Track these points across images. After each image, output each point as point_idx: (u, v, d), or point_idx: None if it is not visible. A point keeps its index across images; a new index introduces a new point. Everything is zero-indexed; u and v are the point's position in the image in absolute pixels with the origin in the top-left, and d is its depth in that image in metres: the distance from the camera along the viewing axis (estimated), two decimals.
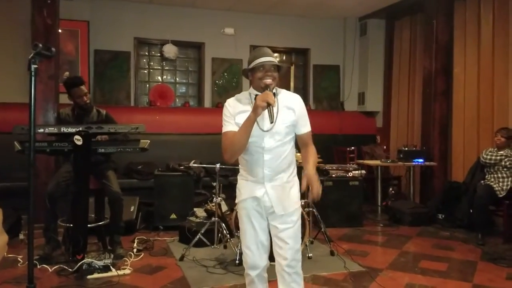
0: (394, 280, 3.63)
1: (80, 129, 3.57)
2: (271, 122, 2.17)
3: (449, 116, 6.21)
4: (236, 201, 2.40)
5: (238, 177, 2.42)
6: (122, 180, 5.11)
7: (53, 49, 2.29)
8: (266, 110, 2.15)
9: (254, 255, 2.32)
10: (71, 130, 3.58)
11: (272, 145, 2.25)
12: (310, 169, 2.26)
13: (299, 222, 2.33)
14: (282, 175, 2.30)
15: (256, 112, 2.12)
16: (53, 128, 3.69)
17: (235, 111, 2.27)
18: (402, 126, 7.13)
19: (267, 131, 2.23)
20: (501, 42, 5.41)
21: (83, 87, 3.99)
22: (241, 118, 2.21)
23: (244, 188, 2.34)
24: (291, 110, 2.28)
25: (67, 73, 6.35)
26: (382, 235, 5.23)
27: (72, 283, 3.44)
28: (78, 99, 3.97)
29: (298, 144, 2.40)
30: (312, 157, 2.34)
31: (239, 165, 2.40)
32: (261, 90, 2.22)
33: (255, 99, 2.18)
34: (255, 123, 2.18)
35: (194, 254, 4.10)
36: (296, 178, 2.38)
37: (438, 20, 6.18)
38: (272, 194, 2.27)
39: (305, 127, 2.35)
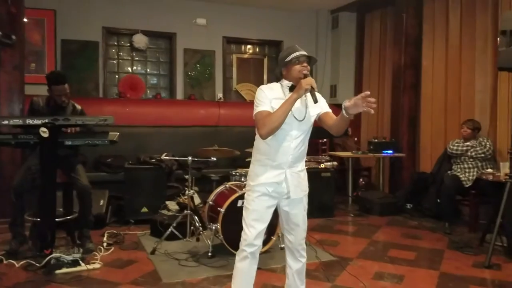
0: (363, 269, 3.70)
1: (46, 121, 3.47)
2: (315, 102, 2.39)
3: (417, 109, 6.34)
4: (252, 183, 2.52)
5: (255, 162, 2.56)
6: (91, 173, 5.00)
7: (13, 36, 2.21)
8: (302, 99, 2.44)
9: (255, 233, 2.48)
10: (36, 122, 3.46)
11: (299, 134, 2.49)
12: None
13: (307, 207, 2.61)
14: (300, 164, 2.56)
15: (299, 92, 2.35)
16: (18, 120, 3.56)
17: (271, 96, 2.45)
18: (372, 118, 7.24)
19: (300, 120, 2.47)
20: (468, 36, 5.54)
21: (65, 86, 3.85)
22: (277, 103, 2.40)
23: (263, 173, 2.49)
24: (316, 104, 2.46)
25: (33, 65, 6.17)
26: (353, 225, 5.32)
27: (40, 278, 3.37)
28: (56, 97, 3.85)
29: (326, 126, 2.54)
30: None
31: (256, 151, 2.56)
32: (296, 81, 2.44)
33: (290, 88, 2.46)
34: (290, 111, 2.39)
35: (166, 247, 4.07)
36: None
37: (408, 14, 6.28)
38: (290, 180, 2.49)
39: (328, 108, 2.57)
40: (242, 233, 2.53)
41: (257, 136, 2.55)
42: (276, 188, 2.48)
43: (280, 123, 2.36)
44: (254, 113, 2.45)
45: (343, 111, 2.31)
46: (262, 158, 2.52)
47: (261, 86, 2.53)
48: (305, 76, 2.41)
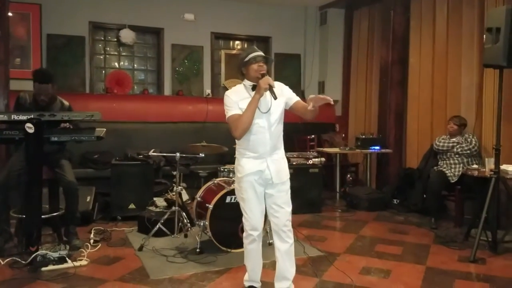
0: (351, 264, 3.73)
1: (32, 116, 3.42)
2: (275, 99, 2.70)
3: (404, 105, 6.39)
4: (240, 175, 2.81)
5: (238, 156, 2.85)
6: (78, 169, 4.97)
7: None
8: (266, 93, 2.70)
9: (257, 218, 2.82)
10: (22, 117, 3.42)
11: (271, 125, 2.77)
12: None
13: (289, 191, 2.87)
14: (278, 151, 2.85)
15: (259, 92, 2.65)
16: (2, 116, 3.53)
17: (237, 99, 2.74)
18: (360, 114, 7.29)
19: (265, 112, 2.74)
20: (455, 33, 5.59)
21: (48, 86, 3.80)
22: (244, 103, 2.70)
23: (247, 164, 2.78)
24: (280, 94, 2.76)
25: (18, 59, 6.08)
26: (340, 220, 5.35)
27: (25, 275, 3.33)
28: (37, 95, 3.82)
29: (299, 113, 2.84)
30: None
31: (238, 146, 2.84)
32: (256, 80, 2.71)
33: (252, 88, 2.73)
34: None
35: (154, 244, 4.06)
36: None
37: (395, 11, 6.32)
38: (272, 167, 2.78)
39: (296, 97, 2.88)
40: (244, 220, 2.86)
41: None
42: (261, 176, 2.77)
43: (250, 123, 2.68)
44: (226, 118, 2.75)
45: (308, 105, 2.63)
46: (245, 151, 2.80)
47: (227, 92, 2.81)
48: (263, 75, 2.68)
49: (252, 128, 2.72)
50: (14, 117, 3.43)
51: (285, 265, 2.85)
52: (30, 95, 3.90)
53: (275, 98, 2.68)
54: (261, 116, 2.73)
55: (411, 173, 5.83)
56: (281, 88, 2.84)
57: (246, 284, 3.03)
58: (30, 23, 6.18)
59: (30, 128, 3.39)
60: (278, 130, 2.83)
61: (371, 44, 7.07)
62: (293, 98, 2.86)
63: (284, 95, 2.84)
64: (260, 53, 2.77)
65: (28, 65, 6.09)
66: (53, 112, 3.60)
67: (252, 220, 2.82)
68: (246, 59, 2.75)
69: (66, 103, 4.03)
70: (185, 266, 3.61)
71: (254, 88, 2.74)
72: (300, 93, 7.78)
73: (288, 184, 2.86)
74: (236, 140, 2.84)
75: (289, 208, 2.84)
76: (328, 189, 6.46)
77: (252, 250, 2.91)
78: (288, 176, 2.88)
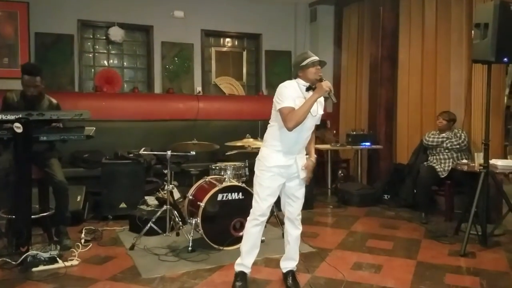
0: (342, 259, 3.75)
1: (20, 116, 3.38)
2: (334, 102, 3.05)
3: (394, 101, 6.42)
4: (268, 164, 2.95)
5: (269, 147, 2.99)
6: (67, 169, 4.93)
7: None
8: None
9: (268, 205, 2.99)
10: (10, 117, 3.38)
11: (311, 127, 3.00)
12: (313, 158, 3.07)
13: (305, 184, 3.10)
14: (304, 150, 3.06)
15: (320, 92, 2.84)
16: None
17: (294, 94, 2.88)
18: (351, 111, 7.31)
19: (314, 116, 2.94)
20: (444, 29, 5.63)
21: (36, 79, 3.77)
22: (299, 101, 2.85)
23: (275, 156, 2.95)
24: (321, 104, 3.00)
25: (6, 59, 6.01)
26: (332, 216, 5.38)
27: (16, 276, 3.31)
28: (25, 87, 3.78)
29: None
30: (313, 142, 3.17)
31: (271, 138, 3.00)
32: (311, 82, 2.90)
33: (307, 88, 2.92)
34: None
35: (145, 242, 4.04)
36: None
37: (385, 7, 6.34)
38: (299, 163, 2.99)
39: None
40: (255, 204, 3.01)
41: (274, 125, 2.98)
42: (287, 170, 2.97)
43: (304, 118, 2.83)
44: (278, 108, 2.86)
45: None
46: (278, 144, 2.96)
47: (284, 83, 2.93)
48: (321, 79, 2.88)
49: (297, 127, 2.86)
50: (2, 117, 3.38)
51: (295, 248, 3.15)
52: (17, 94, 3.87)
53: (334, 101, 2.98)
54: (309, 117, 2.89)
55: (401, 169, 5.87)
56: (321, 99, 3.01)
57: (237, 268, 3.11)
58: (17, 21, 6.12)
59: (18, 128, 3.35)
60: (312, 132, 3.07)
61: (361, 40, 7.08)
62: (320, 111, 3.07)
63: (322, 107, 3.05)
64: (316, 57, 2.94)
65: (16, 64, 6.02)
66: (41, 111, 3.57)
67: (263, 206, 2.98)
68: (304, 63, 2.90)
69: (54, 101, 4.00)
70: (177, 264, 3.60)
71: (308, 88, 2.92)
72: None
73: (304, 180, 3.08)
74: (271, 130, 3.00)
75: (303, 199, 3.12)
76: (319, 185, 6.48)
77: (253, 234, 3.06)
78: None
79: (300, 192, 3.08)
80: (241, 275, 3.09)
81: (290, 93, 2.88)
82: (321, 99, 2.94)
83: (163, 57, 7.03)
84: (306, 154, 3.09)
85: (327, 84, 2.86)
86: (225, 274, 3.37)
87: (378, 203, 5.87)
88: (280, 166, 2.95)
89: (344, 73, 7.48)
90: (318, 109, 2.96)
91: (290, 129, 2.84)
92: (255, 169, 3.06)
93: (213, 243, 3.87)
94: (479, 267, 3.60)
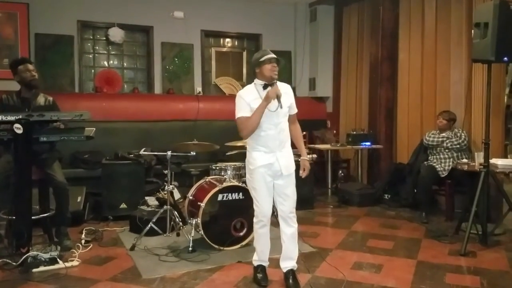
0: (343, 259, 3.75)
1: (20, 117, 3.39)
2: (281, 108, 3.01)
3: (394, 101, 6.41)
4: (252, 167, 3.07)
5: (250, 150, 3.11)
6: (68, 169, 4.95)
7: None
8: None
9: (267, 205, 3.08)
10: (10, 118, 3.38)
11: (279, 122, 3.05)
12: (305, 156, 3.23)
13: (295, 181, 3.16)
14: (286, 146, 3.12)
15: (267, 101, 2.95)
16: None
17: (249, 100, 3.01)
18: (351, 110, 7.30)
19: (274, 111, 3.01)
20: (443, 29, 5.62)
21: (30, 66, 3.86)
22: (255, 103, 2.98)
23: (259, 157, 3.05)
24: (287, 95, 3.12)
25: (6, 60, 6.01)
26: (332, 216, 5.38)
27: (16, 277, 3.31)
28: (24, 74, 3.82)
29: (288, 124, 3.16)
30: (301, 138, 3.29)
31: (250, 140, 3.09)
32: (266, 80, 3.01)
33: (264, 86, 3.01)
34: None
35: (146, 243, 4.04)
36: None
37: (384, 7, 6.33)
38: (281, 160, 3.06)
39: (295, 109, 3.24)
40: (256, 208, 3.11)
41: None
42: (271, 168, 3.04)
43: (256, 126, 2.96)
44: (235, 117, 3.01)
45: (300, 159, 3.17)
46: (257, 146, 3.06)
47: (239, 93, 3.09)
48: (273, 78, 2.99)
49: (262, 125, 2.99)
50: (2, 117, 3.39)
51: (290, 246, 3.16)
52: (12, 95, 3.90)
53: (281, 107, 3.00)
54: (270, 114, 3.00)
55: (401, 168, 5.86)
56: (288, 91, 3.17)
57: (255, 263, 3.26)
58: (17, 22, 6.11)
59: (18, 128, 3.35)
60: (285, 126, 3.12)
61: (361, 40, 7.08)
62: (293, 109, 3.21)
63: (289, 99, 3.15)
64: (273, 55, 3.05)
65: None
66: (40, 110, 3.58)
67: (263, 208, 3.08)
68: (262, 59, 3.01)
69: (49, 97, 4.04)
70: (177, 264, 3.60)
71: (265, 87, 3.01)
72: (292, 90, 7.79)
73: (294, 176, 3.15)
74: (250, 136, 3.08)
75: (294, 196, 3.16)
76: (320, 185, 6.48)
77: (262, 234, 3.18)
78: (294, 168, 3.16)
79: (290, 190, 3.13)
80: (260, 268, 3.25)
81: (246, 100, 3.01)
82: (279, 93, 2.99)
83: (163, 57, 7.02)
84: (298, 154, 3.18)
85: (273, 91, 2.96)
86: (226, 274, 3.38)
87: (379, 203, 5.86)
88: (264, 165, 3.03)
89: (344, 73, 7.47)
90: (279, 104, 3.00)
91: (244, 138, 3.05)
92: (246, 173, 3.18)
93: (213, 243, 3.88)
94: (479, 266, 3.60)
